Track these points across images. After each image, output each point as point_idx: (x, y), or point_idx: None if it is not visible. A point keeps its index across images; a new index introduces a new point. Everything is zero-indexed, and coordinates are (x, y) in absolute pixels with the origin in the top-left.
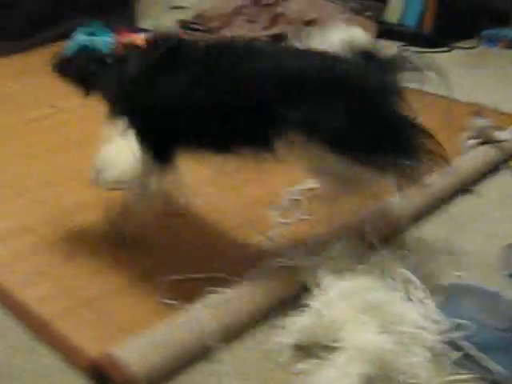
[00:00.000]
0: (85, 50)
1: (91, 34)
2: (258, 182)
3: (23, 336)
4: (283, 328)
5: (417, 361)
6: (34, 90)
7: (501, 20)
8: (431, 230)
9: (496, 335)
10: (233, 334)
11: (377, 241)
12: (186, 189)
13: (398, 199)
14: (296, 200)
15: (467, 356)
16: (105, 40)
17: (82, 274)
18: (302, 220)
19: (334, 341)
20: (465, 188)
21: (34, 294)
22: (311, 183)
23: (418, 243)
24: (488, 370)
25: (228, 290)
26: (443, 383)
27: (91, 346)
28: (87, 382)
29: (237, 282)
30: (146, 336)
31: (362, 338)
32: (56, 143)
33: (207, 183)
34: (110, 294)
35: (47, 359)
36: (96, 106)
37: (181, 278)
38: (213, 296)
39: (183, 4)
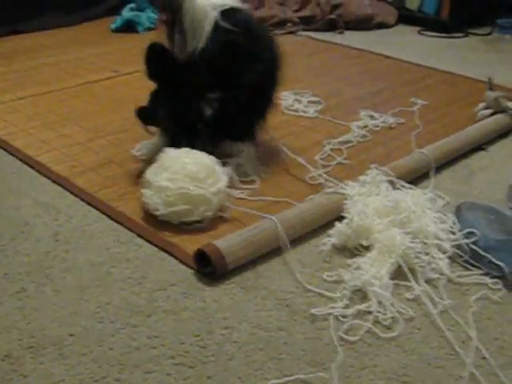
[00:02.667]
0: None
1: (137, 9)
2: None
3: (124, 235)
4: (329, 234)
5: (436, 257)
6: (92, 57)
7: (510, 9)
8: (451, 175)
9: (500, 241)
10: (296, 237)
11: None
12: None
13: None
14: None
15: (475, 256)
16: (149, 16)
17: None
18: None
19: (367, 240)
20: (479, 146)
21: (128, 208)
22: (347, 137)
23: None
24: (492, 268)
25: (291, 209)
26: (456, 277)
27: (185, 243)
28: (186, 267)
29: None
30: (236, 235)
31: (389, 236)
32: (122, 99)
33: None
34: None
35: (148, 249)
36: None
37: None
38: (283, 212)
39: None
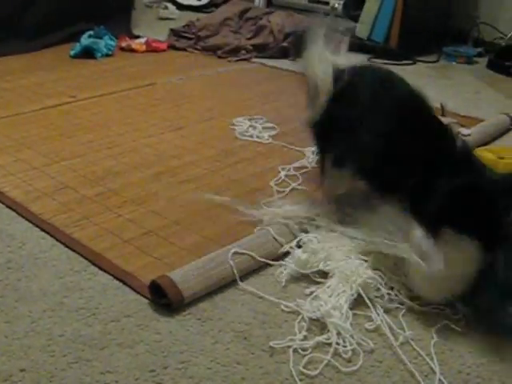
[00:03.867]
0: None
1: (95, 37)
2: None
3: (78, 263)
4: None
5: (396, 286)
6: (50, 83)
7: (460, 38)
8: None
9: None
10: (251, 269)
11: None
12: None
13: None
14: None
15: None
16: (107, 43)
17: (119, 220)
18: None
19: (325, 266)
20: None
21: (83, 235)
22: (302, 163)
23: None
24: None
25: (246, 239)
26: (417, 306)
27: (140, 272)
28: (140, 297)
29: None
30: (193, 267)
31: (349, 264)
32: (79, 124)
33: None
34: (143, 235)
35: (103, 278)
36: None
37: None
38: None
39: (169, 16)
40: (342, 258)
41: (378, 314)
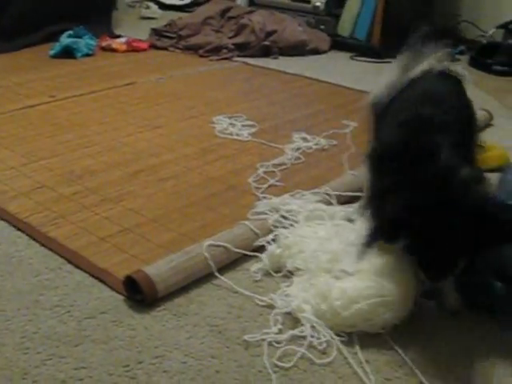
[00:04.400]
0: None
1: (75, 36)
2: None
3: (54, 261)
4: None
5: None
6: (30, 83)
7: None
8: None
9: None
10: (227, 262)
11: None
12: None
13: None
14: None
15: None
16: (87, 42)
17: (95, 218)
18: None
19: (298, 260)
20: None
21: (59, 234)
22: (280, 160)
23: None
24: None
25: (222, 232)
26: None
27: (115, 269)
28: (116, 293)
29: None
30: (166, 261)
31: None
32: (58, 124)
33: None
34: (120, 232)
35: (78, 276)
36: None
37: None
38: (214, 236)
39: (151, 15)
40: (314, 252)
41: None
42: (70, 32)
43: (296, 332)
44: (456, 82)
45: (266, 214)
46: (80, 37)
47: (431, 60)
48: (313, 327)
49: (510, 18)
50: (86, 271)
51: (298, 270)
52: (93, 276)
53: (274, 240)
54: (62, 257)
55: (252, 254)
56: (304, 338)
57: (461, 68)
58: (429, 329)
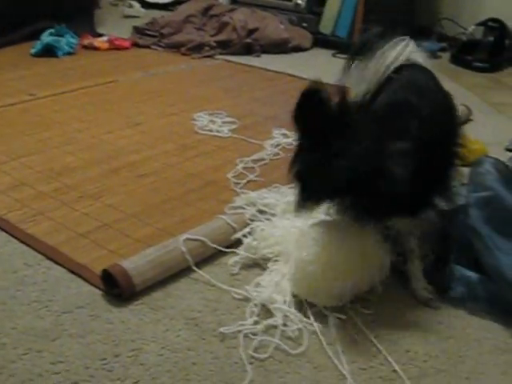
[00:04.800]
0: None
1: (56, 35)
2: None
3: (32, 258)
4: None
5: None
6: (10, 81)
7: (423, 33)
8: None
9: None
10: (204, 256)
11: None
12: None
13: None
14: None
15: None
16: (68, 41)
17: (75, 215)
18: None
19: (273, 251)
20: None
21: (38, 230)
22: (260, 155)
23: None
24: None
25: (200, 227)
26: None
27: (94, 264)
28: (94, 288)
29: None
30: (144, 255)
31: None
32: (37, 122)
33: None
34: (99, 228)
35: (56, 272)
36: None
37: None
38: (191, 230)
39: (134, 14)
40: (289, 243)
41: None
42: (52, 30)
43: (270, 321)
44: (432, 75)
45: (243, 208)
46: (62, 35)
47: (399, 54)
48: (286, 316)
49: (489, 15)
50: (64, 267)
51: (274, 260)
52: (71, 271)
53: (250, 233)
54: (40, 253)
55: (227, 250)
56: (277, 327)
57: (423, 58)
58: (404, 319)
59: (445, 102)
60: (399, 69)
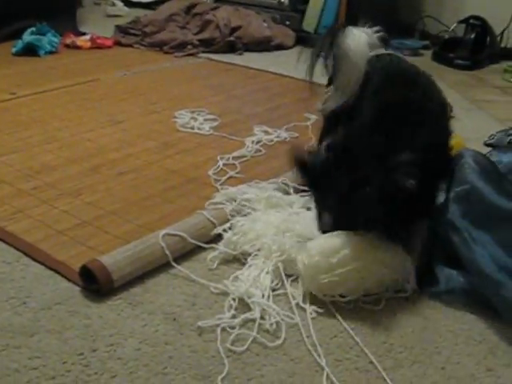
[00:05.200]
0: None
1: (38, 33)
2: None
3: (11, 255)
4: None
5: None
6: None
7: (407, 31)
8: None
9: None
10: (184, 251)
11: None
12: None
13: None
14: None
15: None
16: (50, 39)
17: (54, 212)
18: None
19: (252, 246)
20: None
21: (17, 228)
22: (241, 152)
23: None
24: None
25: (179, 222)
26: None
27: (72, 261)
28: (72, 285)
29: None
30: (123, 250)
31: (269, 242)
32: (18, 121)
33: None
34: (78, 225)
35: (35, 269)
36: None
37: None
38: (171, 226)
39: (117, 13)
40: (269, 237)
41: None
42: (33, 29)
43: (248, 315)
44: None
45: (223, 204)
46: (43, 34)
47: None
48: (264, 310)
49: (471, 12)
50: (43, 264)
51: (253, 255)
52: (50, 268)
53: (230, 228)
54: (19, 250)
55: (206, 245)
56: (255, 321)
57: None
58: (380, 311)
59: (438, 94)
60: (372, 60)
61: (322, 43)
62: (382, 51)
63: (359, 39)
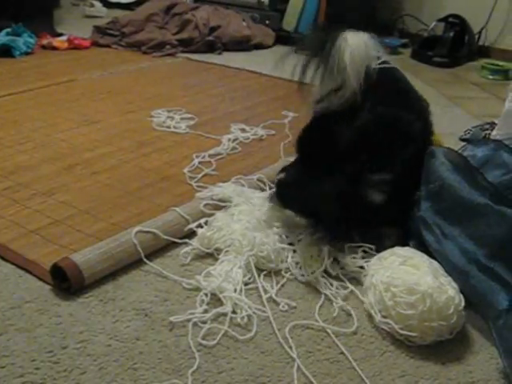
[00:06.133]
0: None
1: (13, 34)
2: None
3: None
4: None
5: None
6: None
7: (386, 29)
8: None
9: None
10: (156, 248)
11: None
12: None
13: None
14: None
15: None
16: (26, 40)
17: (26, 212)
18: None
19: (225, 242)
20: None
21: None
22: (216, 150)
23: None
24: None
25: (153, 219)
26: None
27: (43, 260)
28: (43, 283)
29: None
30: (95, 248)
31: (241, 237)
32: None
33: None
34: (50, 224)
35: (5, 268)
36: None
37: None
38: (144, 223)
39: (96, 14)
40: (242, 233)
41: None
42: (8, 30)
43: (219, 310)
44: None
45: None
46: (19, 35)
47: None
48: (235, 304)
49: (450, 11)
50: (13, 263)
51: (226, 251)
52: (21, 268)
53: (206, 223)
54: None
55: (179, 241)
56: (226, 315)
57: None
58: (351, 302)
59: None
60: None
61: (317, 44)
62: (383, 58)
63: (362, 42)
